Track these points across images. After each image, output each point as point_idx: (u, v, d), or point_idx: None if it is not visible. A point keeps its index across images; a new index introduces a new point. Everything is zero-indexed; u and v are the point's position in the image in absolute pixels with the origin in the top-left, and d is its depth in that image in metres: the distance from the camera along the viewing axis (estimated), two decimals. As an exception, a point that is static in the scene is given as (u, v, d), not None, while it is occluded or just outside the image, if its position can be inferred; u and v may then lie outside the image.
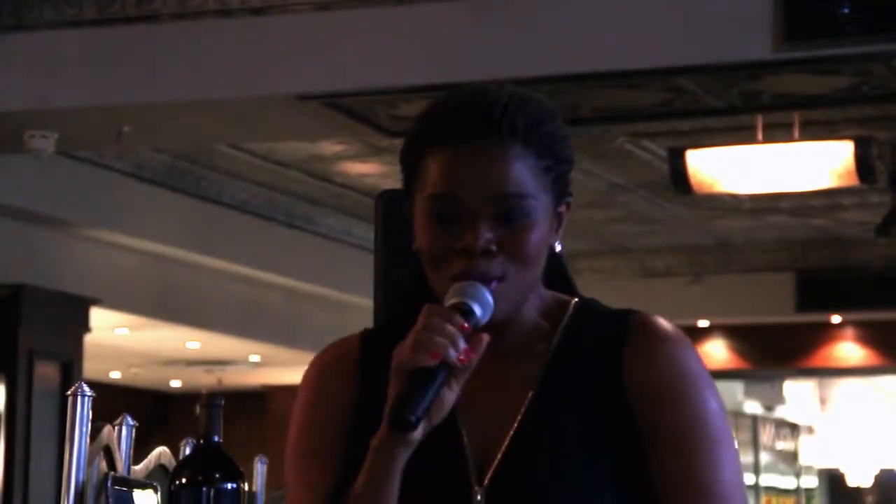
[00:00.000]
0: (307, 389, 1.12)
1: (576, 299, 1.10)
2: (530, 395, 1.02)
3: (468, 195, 1.00)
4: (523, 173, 1.01)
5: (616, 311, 1.09)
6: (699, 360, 1.06)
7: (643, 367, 1.02)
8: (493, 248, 0.99)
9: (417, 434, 0.94)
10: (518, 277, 1.01)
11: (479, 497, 1.00)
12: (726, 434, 1.03)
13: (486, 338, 0.96)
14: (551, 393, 1.03)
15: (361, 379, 1.09)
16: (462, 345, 0.95)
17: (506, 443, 1.01)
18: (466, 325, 0.96)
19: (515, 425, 1.01)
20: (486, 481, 1.00)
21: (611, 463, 1.00)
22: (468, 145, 1.01)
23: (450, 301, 0.98)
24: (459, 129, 1.01)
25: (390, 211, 1.32)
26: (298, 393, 1.13)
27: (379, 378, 1.01)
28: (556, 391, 1.03)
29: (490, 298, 0.99)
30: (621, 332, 1.04)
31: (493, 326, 0.99)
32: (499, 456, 1.01)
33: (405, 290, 1.16)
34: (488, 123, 1.01)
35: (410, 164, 1.06)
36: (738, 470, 1.03)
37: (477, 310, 0.98)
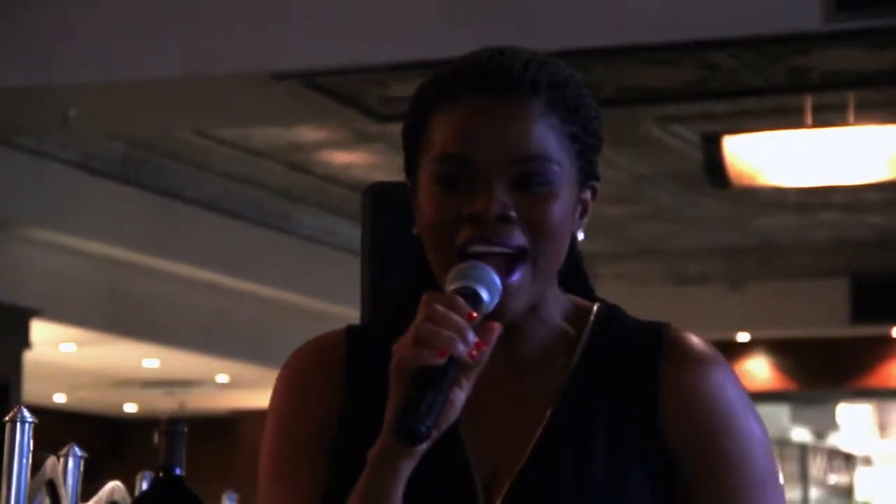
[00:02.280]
0: (281, 396, 1.09)
1: (597, 304, 1.08)
2: (549, 412, 1.01)
3: (483, 156, 0.98)
4: (547, 135, 0.99)
5: (645, 322, 1.08)
6: (738, 383, 1.06)
7: (678, 393, 1.02)
8: (512, 213, 0.97)
9: (425, 445, 0.91)
10: (538, 257, 0.99)
11: None
12: (772, 468, 1.03)
13: (497, 327, 0.93)
14: (574, 412, 1.01)
15: (347, 382, 1.06)
16: (472, 337, 0.91)
17: (521, 464, 0.99)
18: (475, 313, 0.92)
19: (533, 445, 0.99)
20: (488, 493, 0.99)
21: (638, 496, 1.00)
22: (483, 103, 0.99)
23: (451, 286, 0.96)
24: (474, 84, 1.00)
25: (380, 207, 1.31)
26: (271, 400, 1.10)
27: (369, 382, 1.00)
28: (579, 411, 1.02)
29: (497, 281, 0.96)
30: (655, 350, 1.04)
31: (509, 327, 0.97)
32: (512, 479, 0.99)
33: (404, 282, 1.13)
34: (508, 79, 0.99)
35: (415, 131, 1.04)
36: None
37: (484, 294, 0.95)
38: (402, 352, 0.92)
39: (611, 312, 1.08)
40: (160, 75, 4.88)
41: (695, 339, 1.06)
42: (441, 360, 0.89)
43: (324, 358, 1.08)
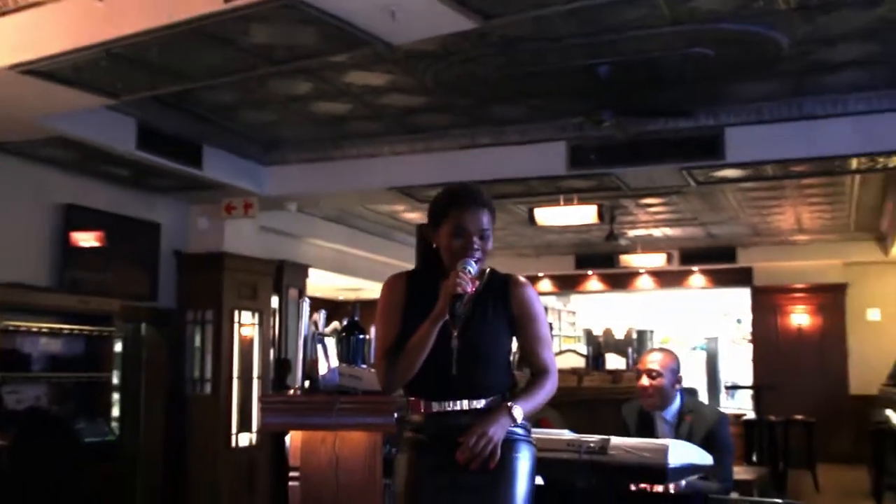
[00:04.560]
0: (383, 293, 3.43)
1: (489, 268, 3.44)
2: (473, 301, 3.32)
3: (471, 228, 3.34)
4: (488, 219, 3.38)
5: (502, 274, 3.45)
6: (534, 291, 3.45)
7: (516, 295, 3.40)
8: (477, 246, 3.33)
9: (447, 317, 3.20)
10: (483, 260, 3.36)
11: (454, 339, 3.28)
12: (545, 319, 3.45)
13: (476, 282, 3.27)
14: (482, 303, 3.36)
15: (407, 290, 3.40)
16: (469, 286, 3.21)
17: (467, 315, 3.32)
18: (471, 276, 3.21)
19: (470, 313, 3.31)
20: (457, 332, 3.28)
21: (505, 328, 3.39)
22: (472, 208, 3.35)
23: (461, 266, 3.22)
24: (467, 200, 3.35)
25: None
26: (380, 296, 3.46)
27: (417, 289, 3.38)
28: (483, 300, 3.36)
29: (475, 267, 3.27)
30: (507, 282, 3.43)
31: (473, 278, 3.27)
32: (462, 323, 3.28)
33: (423, 262, 3.48)
34: (480, 199, 3.38)
35: (440, 213, 3.36)
36: (550, 334, 3.54)
37: (472, 269, 3.25)
38: (448, 287, 3.19)
39: (493, 271, 3.45)
40: None
41: (521, 277, 3.45)
42: (461, 291, 3.19)
43: (398, 280, 3.45)
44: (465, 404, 3.25)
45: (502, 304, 3.34)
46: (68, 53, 5.81)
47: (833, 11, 6.35)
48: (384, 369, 3.29)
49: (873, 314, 15.77)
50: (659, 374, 4.98)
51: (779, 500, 3.92)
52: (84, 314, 8.48)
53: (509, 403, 3.23)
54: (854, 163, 9.21)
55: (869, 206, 12.90)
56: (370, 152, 9.40)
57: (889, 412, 11.24)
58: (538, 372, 3.36)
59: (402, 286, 3.39)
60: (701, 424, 4.88)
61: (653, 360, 5.05)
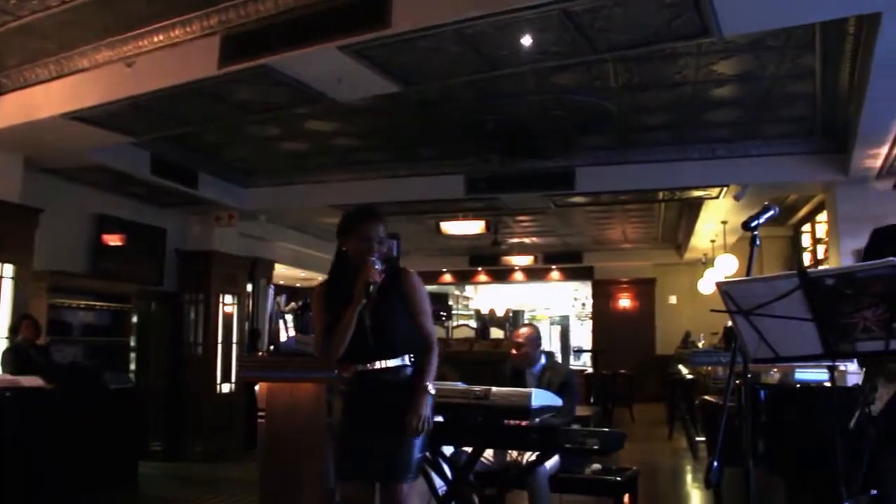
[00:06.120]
0: (313, 299, 3.39)
1: (387, 265, 3.28)
2: (379, 290, 3.25)
3: (372, 235, 3.30)
4: (383, 231, 3.35)
5: (398, 268, 3.35)
6: (420, 280, 3.36)
7: (406, 282, 3.32)
8: (377, 248, 3.27)
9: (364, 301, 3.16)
10: (380, 258, 3.28)
11: (367, 319, 3.22)
12: (427, 298, 3.35)
13: (381, 274, 3.19)
14: (384, 289, 3.25)
15: (326, 292, 3.33)
16: (377, 275, 3.19)
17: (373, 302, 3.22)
18: (378, 268, 3.16)
19: (377, 297, 3.19)
20: (368, 312, 3.20)
21: (401, 306, 3.29)
22: (371, 222, 3.32)
23: (370, 262, 3.21)
24: (368, 218, 3.34)
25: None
26: (311, 302, 3.42)
27: (332, 288, 3.32)
28: (385, 289, 3.26)
29: (379, 263, 3.24)
30: (400, 273, 3.34)
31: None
32: (372, 305, 3.21)
33: (336, 259, 3.37)
34: (376, 217, 3.36)
35: (350, 228, 3.34)
36: (430, 309, 3.37)
37: (378, 265, 3.23)
38: (363, 277, 3.18)
39: (393, 263, 3.41)
40: None
41: (410, 269, 3.36)
42: (373, 280, 3.17)
43: (320, 288, 3.36)
44: (380, 364, 3.25)
45: (398, 289, 3.31)
46: (103, 105, 5.92)
47: (647, 91, 6.50)
48: (322, 347, 3.28)
49: (672, 300, 16.13)
50: (524, 344, 5.01)
51: (606, 429, 3.95)
52: (110, 294, 8.51)
53: (425, 384, 3.22)
54: (661, 194, 9.46)
55: (670, 224, 13.24)
56: (322, 179, 9.34)
57: (680, 366, 11.52)
58: (425, 346, 3.32)
59: (321, 291, 3.37)
60: (556, 377, 4.92)
61: (520, 335, 5.09)
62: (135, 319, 9.13)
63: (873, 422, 2.56)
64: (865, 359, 2.67)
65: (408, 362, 3.30)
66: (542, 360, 5.07)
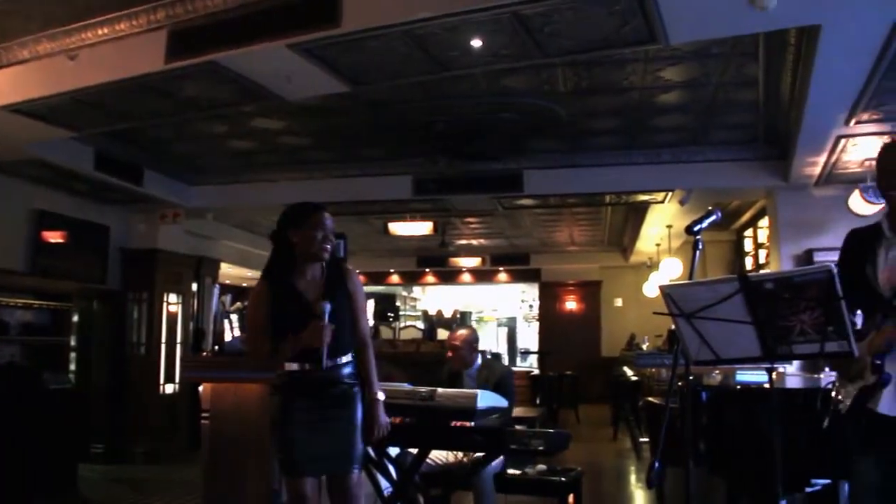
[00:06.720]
0: (252, 297, 3.35)
1: (328, 260, 3.38)
2: (325, 289, 3.34)
3: (328, 226, 3.32)
4: (333, 224, 3.37)
5: (340, 260, 3.45)
6: (358, 278, 3.44)
7: (349, 280, 3.41)
8: (330, 239, 3.33)
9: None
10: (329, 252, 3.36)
11: (324, 307, 3.24)
12: (364, 295, 3.48)
13: (331, 330, 3.27)
14: (331, 288, 3.34)
15: (268, 287, 3.32)
16: (328, 339, 3.25)
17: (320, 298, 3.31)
18: (328, 339, 3.26)
19: (326, 297, 3.28)
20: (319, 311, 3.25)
21: (346, 304, 3.37)
22: (323, 214, 3.34)
23: (323, 328, 3.22)
24: (322, 210, 3.35)
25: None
26: (249, 300, 3.34)
27: (276, 288, 3.31)
28: (332, 287, 3.35)
29: (328, 307, 3.27)
30: (346, 271, 3.44)
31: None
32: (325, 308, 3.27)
33: (278, 254, 3.36)
34: (324, 208, 3.36)
35: (298, 220, 3.31)
36: (366, 305, 3.52)
37: (328, 335, 3.26)
38: (315, 338, 3.22)
39: (336, 258, 3.40)
40: None
41: (349, 266, 3.46)
42: (322, 345, 3.23)
43: (261, 284, 3.34)
44: (328, 362, 3.26)
45: (343, 287, 3.39)
46: (44, 98, 5.74)
47: (595, 95, 6.56)
48: (259, 350, 3.30)
49: (618, 302, 16.31)
50: (459, 347, 5.05)
51: (552, 430, 3.97)
52: (50, 292, 8.25)
53: (375, 393, 3.37)
54: (608, 198, 9.56)
55: (616, 228, 13.39)
56: (269, 178, 9.21)
57: (625, 368, 11.67)
58: (361, 346, 3.41)
59: (263, 290, 3.34)
60: (492, 377, 4.95)
61: (455, 337, 5.13)
62: (76, 318, 8.92)
63: (843, 420, 2.62)
64: (834, 361, 2.75)
65: (351, 358, 3.37)
66: (478, 361, 5.11)
